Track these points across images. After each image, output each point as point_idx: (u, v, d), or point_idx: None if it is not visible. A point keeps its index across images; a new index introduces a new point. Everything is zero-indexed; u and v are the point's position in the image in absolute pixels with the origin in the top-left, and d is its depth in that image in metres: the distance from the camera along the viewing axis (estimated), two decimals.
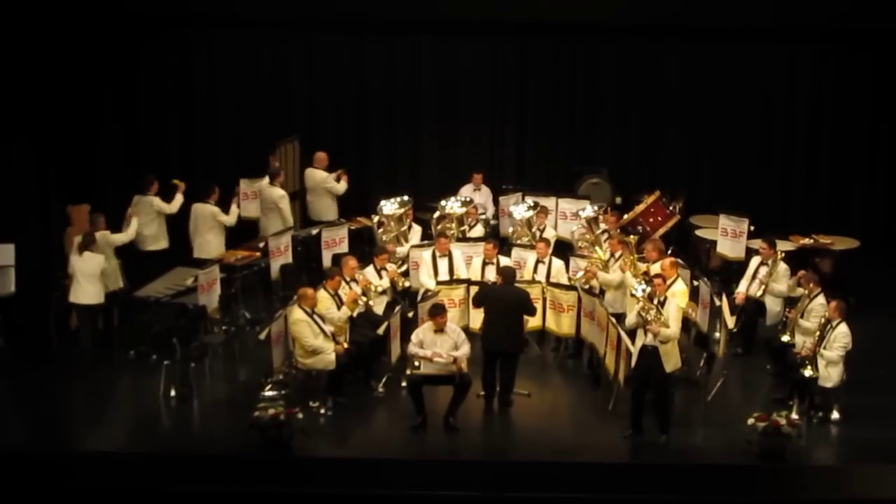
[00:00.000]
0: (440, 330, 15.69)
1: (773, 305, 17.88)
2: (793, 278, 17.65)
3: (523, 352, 16.93)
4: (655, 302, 15.23)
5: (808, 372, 15.63)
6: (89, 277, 17.66)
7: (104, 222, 18.49)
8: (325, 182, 21.38)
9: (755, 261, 18.37)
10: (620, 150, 23.73)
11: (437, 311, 15.84)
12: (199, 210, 19.82)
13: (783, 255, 18.15)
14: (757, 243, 18.67)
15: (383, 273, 17.83)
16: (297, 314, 16.01)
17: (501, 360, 16.27)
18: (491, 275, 17.67)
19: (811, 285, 16.88)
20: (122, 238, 18.69)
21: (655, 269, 17.12)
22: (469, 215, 20.14)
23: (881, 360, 17.57)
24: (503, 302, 16.33)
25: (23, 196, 19.17)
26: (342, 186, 21.44)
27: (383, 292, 17.80)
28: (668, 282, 16.38)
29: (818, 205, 23.47)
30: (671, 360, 15.19)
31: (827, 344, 15.68)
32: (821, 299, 16.58)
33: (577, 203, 20.77)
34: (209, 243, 19.72)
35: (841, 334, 15.66)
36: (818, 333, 15.90)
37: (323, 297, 16.51)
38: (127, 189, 19.94)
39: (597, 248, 18.44)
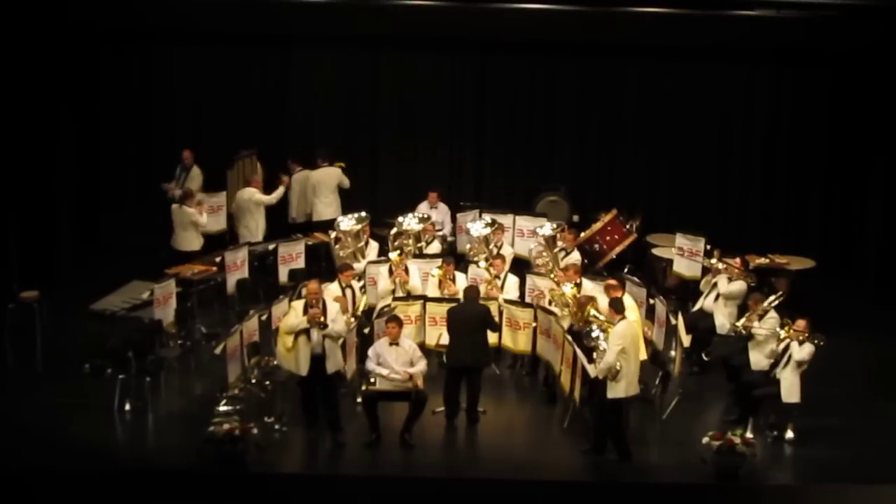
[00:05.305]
0: (395, 343, 15.68)
1: (721, 317, 18.03)
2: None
3: (488, 366, 17.00)
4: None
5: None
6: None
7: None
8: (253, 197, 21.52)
9: (710, 276, 18.50)
10: (578, 168, 23.73)
11: (393, 320, 15.87)
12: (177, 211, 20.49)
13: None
14: (724, 262, 18.63)
15: (347, 291, 17.61)
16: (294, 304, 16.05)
17: (467, 376, 16.28)
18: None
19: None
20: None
21: (585, 288, 17.26)
22: (426, 231, 20.05)
23: (835, 380, 17.64)
24: (465, 319, 16.36)
25: None
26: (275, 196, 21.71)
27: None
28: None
29: (775, 224, 23.58)
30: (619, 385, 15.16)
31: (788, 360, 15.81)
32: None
33: (535, 220, 20.74)
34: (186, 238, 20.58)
35: (806, 346, 15.78)
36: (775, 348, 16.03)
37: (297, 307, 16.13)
38: (83, 202, 19.83)
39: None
